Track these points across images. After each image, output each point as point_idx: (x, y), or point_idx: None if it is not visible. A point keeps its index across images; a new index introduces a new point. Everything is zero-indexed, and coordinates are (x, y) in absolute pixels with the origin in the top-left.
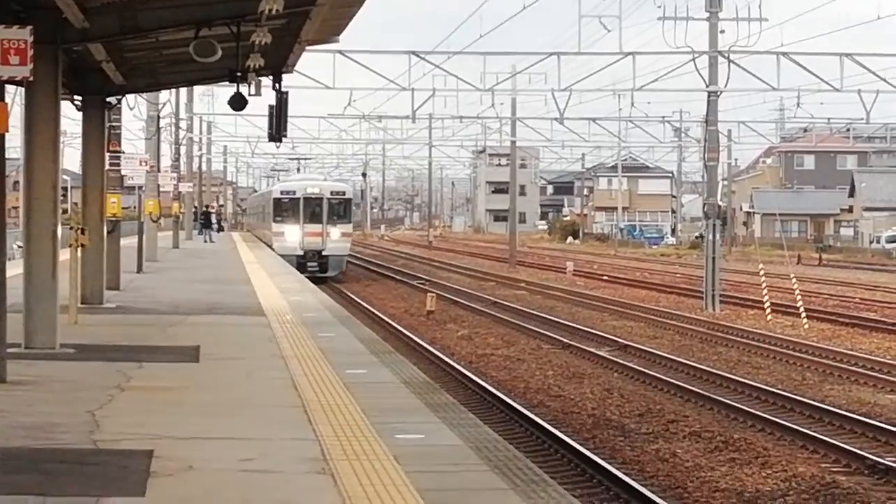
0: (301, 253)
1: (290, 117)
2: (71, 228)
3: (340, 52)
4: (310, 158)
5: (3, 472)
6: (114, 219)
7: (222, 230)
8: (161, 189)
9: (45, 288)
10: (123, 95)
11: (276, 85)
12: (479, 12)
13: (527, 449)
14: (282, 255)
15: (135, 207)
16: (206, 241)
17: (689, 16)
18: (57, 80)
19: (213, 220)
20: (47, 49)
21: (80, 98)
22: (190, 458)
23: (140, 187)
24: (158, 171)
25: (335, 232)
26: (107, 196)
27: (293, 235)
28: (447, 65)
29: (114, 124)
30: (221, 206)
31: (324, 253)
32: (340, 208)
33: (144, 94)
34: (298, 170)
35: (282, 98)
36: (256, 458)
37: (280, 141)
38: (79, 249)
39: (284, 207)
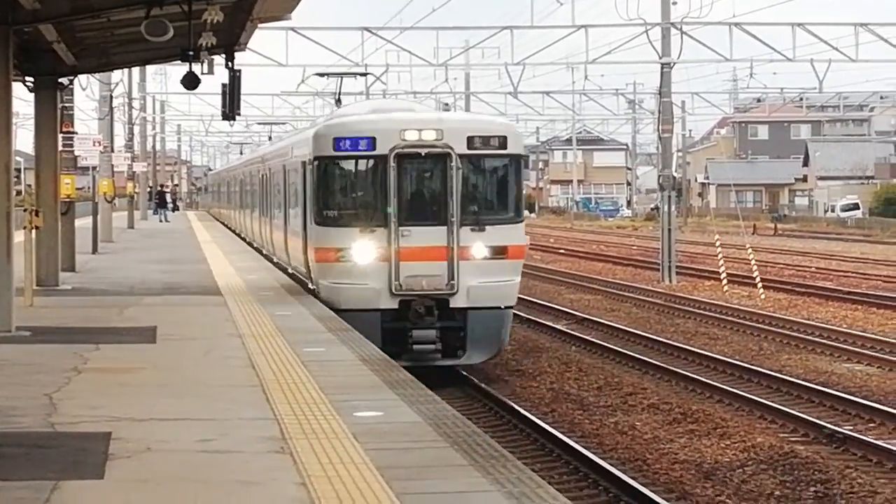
0: (393, 305)
1: (243, 95)
2: (25, 210)
3: (293, 28)
4: (367, 73)
5: None
6: (68, 200)
7: (177, 209)
8: (115, 169)
9: None
10: (76, 76)
11: (229, 63)
12: None
13: (486, 424)
14: (338, 312)
15: (89, 188)
16: (161, 221)
17: None
18: (8, 61)
19: (169, 199)
20: None
21: (31, 79)
22: (148, 440)
23: (94, 168)
24: (112, 151)
25: (479, 247)
26: (60, 177)
27: (367, 256)
28: (400, 40)
29: (66, 105)
30: (176, 185)
31: (454, 304)
32: (494, 181)
33: (97, 75)
34: (338, 100)
35: (235, 76)
36: (215, 439)
37: (234, 119)
38: (33, 231)
39: (340, 182)
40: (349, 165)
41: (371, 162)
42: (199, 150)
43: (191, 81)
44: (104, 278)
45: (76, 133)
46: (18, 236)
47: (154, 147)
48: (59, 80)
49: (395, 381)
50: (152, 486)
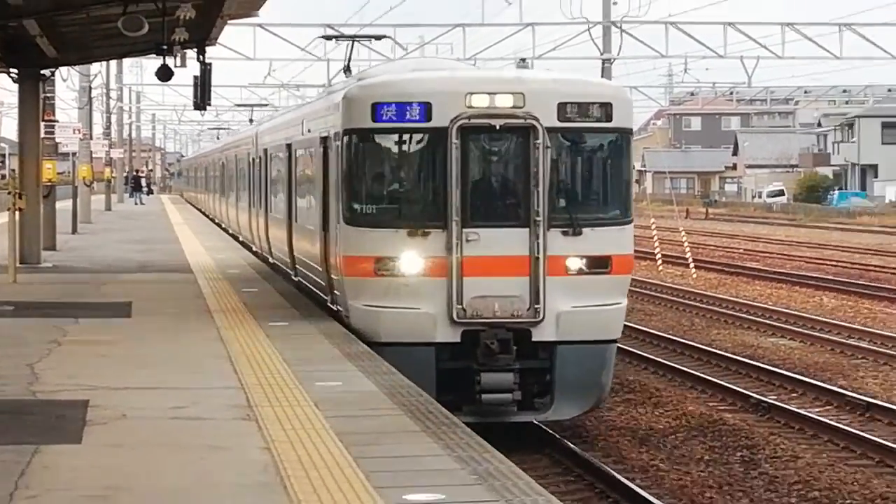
0: (453, 338)
1: (213, 87)
2: (9, 193)
3: (260, 25)
4: (384, 36)
5: None
6: (49, 184)
7: (151, 193)
8: (93, 155)
9: None
10: (57, 68)
11: (200, 57)
12: None
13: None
14: (375, 346)
15: (69, 173)
16: (136, 204)
17: None
18: None
19: (143, 183)
20: None
21: (16, 71)
22: (123, 407)
23: (74, 154)
24: (91, 138)
25: (574, 261)
26: (42, 162)
27: (417, 268)
28: None
29: (48, 95)
30: (151, 170)
31: (538, 337)
32: (596, 165)
33: (77, 67)
34: (347, 68)
35: (206, 69)
36: (186, 406)
37: (205, 109)
38: (17, 213)
39: (380, 165)
40: (393, 142)
41: (425, 137)
42: (172, 138)
43: (164, 74)
44: (83, 257)
45: (57, 121)
46: (3, 217)
47: (130, 135)
48: (42, 72)
49: (354, 353)
50: (127, 450)
